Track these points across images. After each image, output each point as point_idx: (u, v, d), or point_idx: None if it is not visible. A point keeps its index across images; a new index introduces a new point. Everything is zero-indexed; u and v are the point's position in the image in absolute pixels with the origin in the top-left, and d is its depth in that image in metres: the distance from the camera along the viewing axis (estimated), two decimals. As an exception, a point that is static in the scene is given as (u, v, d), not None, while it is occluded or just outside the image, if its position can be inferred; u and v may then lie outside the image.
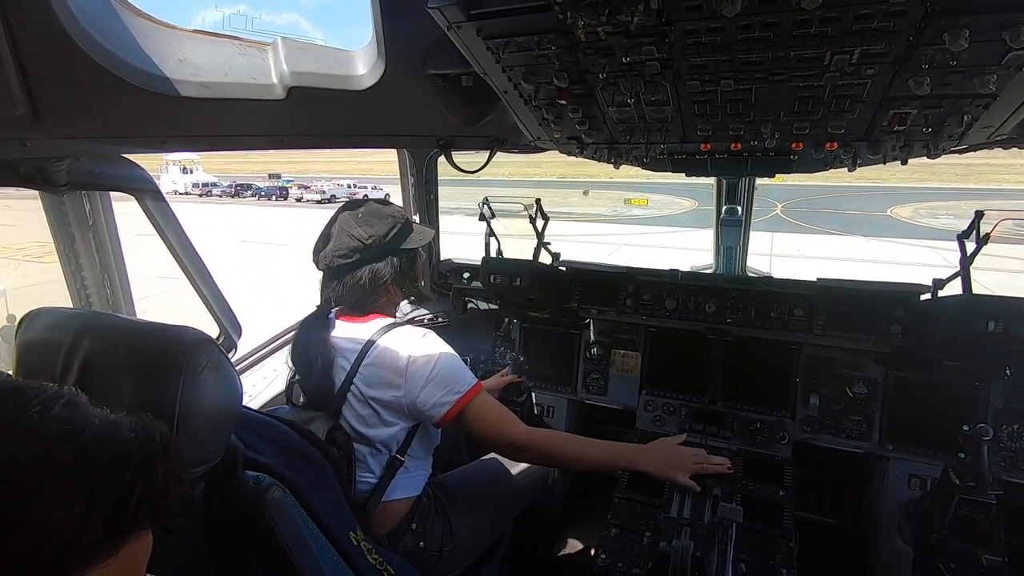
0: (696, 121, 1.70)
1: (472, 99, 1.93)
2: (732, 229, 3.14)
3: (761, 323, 2.52)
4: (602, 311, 2.78)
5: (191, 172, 53.31)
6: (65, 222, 1.71)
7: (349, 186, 44.05)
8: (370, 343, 1.81)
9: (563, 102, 1.66)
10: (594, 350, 2.97)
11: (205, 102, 1.52)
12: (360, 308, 1.92)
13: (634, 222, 29.26)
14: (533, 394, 2.97)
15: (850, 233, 23.75)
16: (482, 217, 2.66)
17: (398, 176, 2.94)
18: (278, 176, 58.44)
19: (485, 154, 2.30)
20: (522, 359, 2.61)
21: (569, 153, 2.13)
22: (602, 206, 36.55)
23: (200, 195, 48.68)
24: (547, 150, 2.22)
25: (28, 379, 0.65)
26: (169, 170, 52.40)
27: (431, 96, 1.87)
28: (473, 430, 1.84)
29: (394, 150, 2.85)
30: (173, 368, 1.01)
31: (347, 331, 1.89)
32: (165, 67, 1.46)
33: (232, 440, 1.13)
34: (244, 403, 1.45)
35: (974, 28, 1.10)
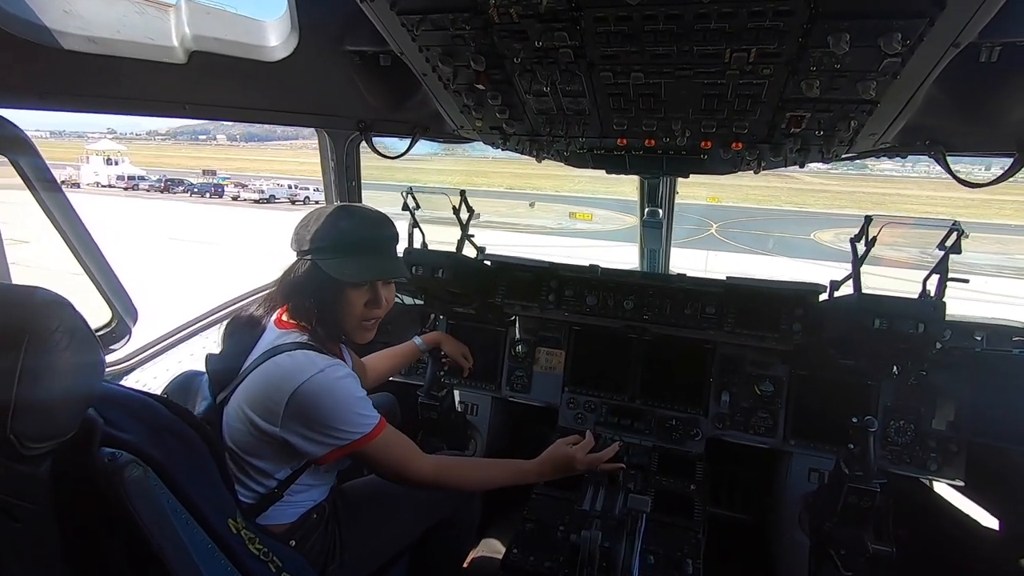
0: (612, 115, 1.74)
1: (392, 81, 1.89)
2: (654, 231, 3.24)
3: (676, 320, 2.60)
4: (526, 307, 2.79)
5: (116, 163, 50.03)
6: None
7: (290, 186, 42.60)
8: (265, 354, 1.56)
9: (482, 87, 1.65)
10: (519, 348, 2.97)
11: (92, 58, 1.41)
12: (285, 307, 1.69)
13: (578, 235, 29.80)
14: (456, 392, 2.93)
15: (778, 254, 25.16)
16: (405, 207, 2.61)
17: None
18: (213, 173, 55.83)
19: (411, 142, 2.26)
20: (442, 353, 2.56)
21: (493, 144, 2.12)
22: (548, 219, 37.05)
23: (126, 188, 45.58)
24: (470, 140, 2.21)
25: None
26: (91, 160, 49.07)
27: (349, 74, 1.82)
28: (368, 468, 1.69)
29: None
30: (15, 332, 0.90)
31: (271, 329, 1.67)
32: (45, 16, 1.34)
33: (89, 414, 1.03)
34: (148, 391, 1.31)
35: (853, 33, 1.18)
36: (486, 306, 2.87)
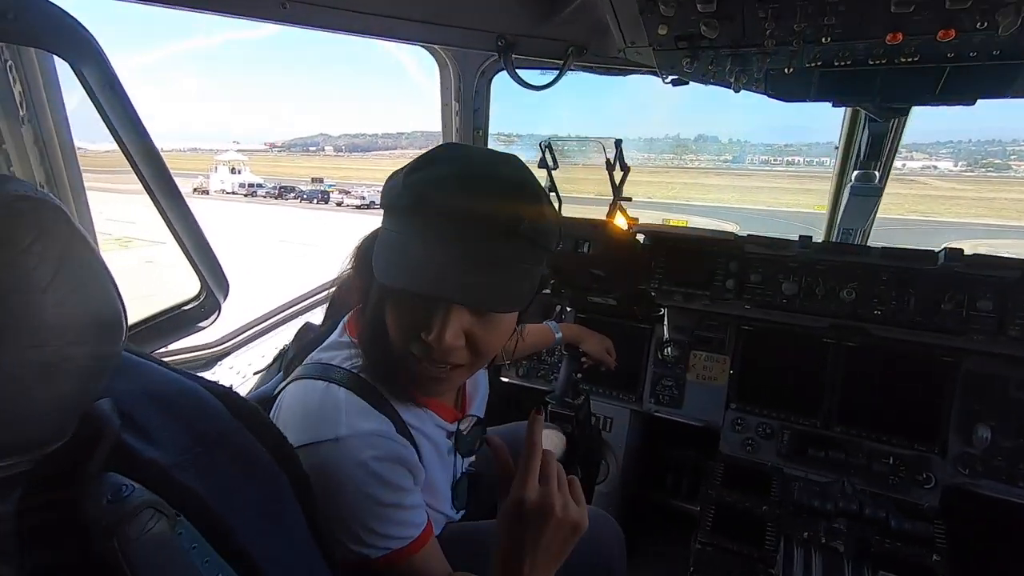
0: None
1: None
2: (862, 201, 2.36)
3: (925, 320, 1.86)
4: (690, 296, 2.16)
5: (239, 172, 55.31)
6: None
7: (389, 193, 44.58)
8: (308, 366, 1.06)
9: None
10: (668, 350, 2.34)
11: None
12: None
13: (674, 243, 28.32)
14: (590, 400, 2.37)
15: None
16: (543, 164, 2.08)
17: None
18: (320, 180, 60.21)
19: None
20: (580, 348, 2.02)
21: (670, 69, 1.56)
22: (641, 226, 35.73)
23: (246, 195, 50.40)
24: (638, 66, 1.65)
25: None
26: (218, 169, 54.72)
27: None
28: None
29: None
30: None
31: (341, 324, 1.16)
32: None
33: (99, 409, 0.59)
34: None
35: None
36: (633, 296, 2.27)
